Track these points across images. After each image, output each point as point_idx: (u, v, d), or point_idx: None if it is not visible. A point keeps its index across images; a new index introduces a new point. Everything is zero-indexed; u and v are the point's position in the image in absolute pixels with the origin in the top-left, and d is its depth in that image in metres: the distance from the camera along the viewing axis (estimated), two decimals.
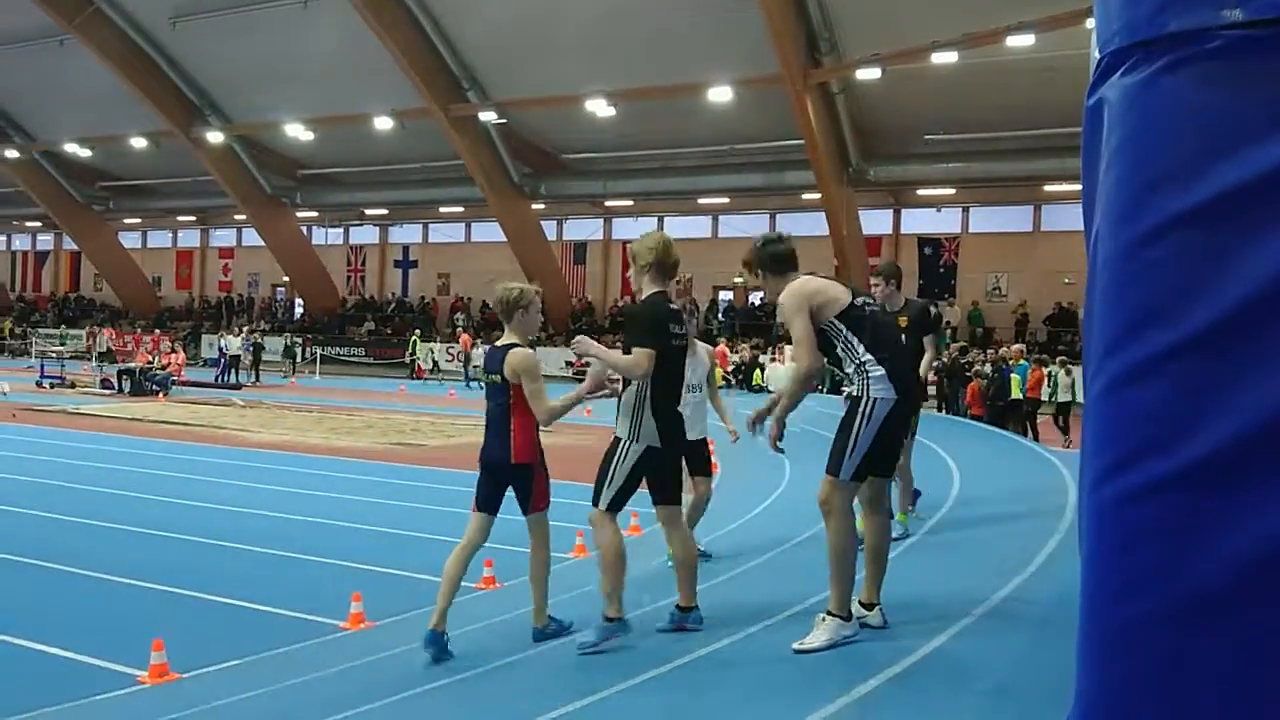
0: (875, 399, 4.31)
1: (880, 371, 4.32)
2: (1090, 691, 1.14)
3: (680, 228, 35.43)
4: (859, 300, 4.45)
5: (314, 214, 39.76)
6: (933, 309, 7.93)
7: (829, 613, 4.39)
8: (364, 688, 4.93)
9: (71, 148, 38.18)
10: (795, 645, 4.36)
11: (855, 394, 4.39)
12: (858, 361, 4.36)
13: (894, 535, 6.40)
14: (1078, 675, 1.17)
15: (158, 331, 37.91)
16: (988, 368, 18.91)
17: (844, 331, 4.37)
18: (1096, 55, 1.24)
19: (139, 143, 36.00)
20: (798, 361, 4.42)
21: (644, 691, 4.15)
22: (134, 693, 5.46)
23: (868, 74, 24.45)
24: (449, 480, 12.74)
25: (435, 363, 32.66)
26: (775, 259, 4.65)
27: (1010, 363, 18.19)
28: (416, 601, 7.18)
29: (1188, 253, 1.10)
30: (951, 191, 29.65)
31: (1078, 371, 25.30)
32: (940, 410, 20.80)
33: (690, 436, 6.12)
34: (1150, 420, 1.11)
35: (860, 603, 4.57)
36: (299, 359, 32.73)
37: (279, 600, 7.14)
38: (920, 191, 30.20)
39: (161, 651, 5.62)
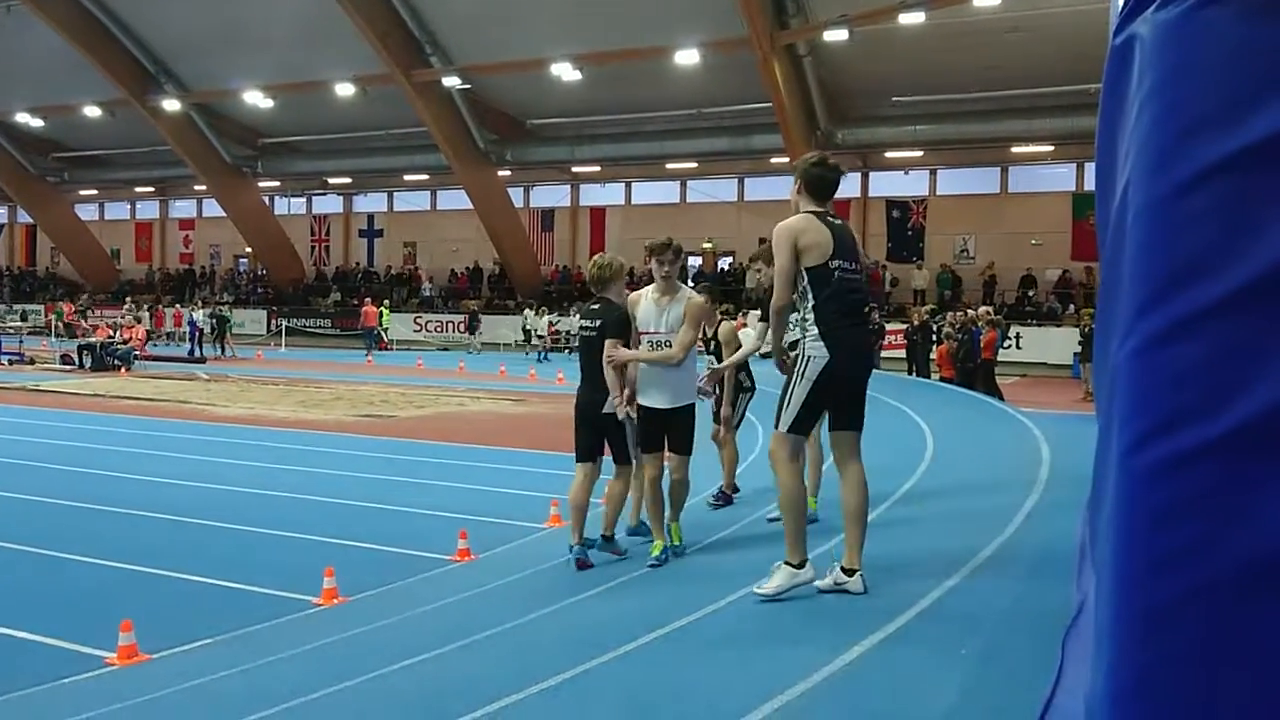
0: (810, 357, 4.49)
1: (816, 331, 4.48)
2: (1123, 670, 1.07)
3: (648, 193, 35.26)
4: (834, 263, 4.49)
5: (276, 183, 39.12)
6: None
7: (785, 561, 4.57)
8: (339, 665, 4.84)
9: (23, 118, 37.24)
10: (755, 589, 4.58)
11: (796, 351, 4.59)
12: (803, 317, 4.55)
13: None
14: (1106, 653, 1.10)
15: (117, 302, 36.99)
16: (950, 329, 19.02)
17: (805, 284, 4.52)
18: None
19: (93, 112, 35.17)
20: (775, 295, 4.59)
21: (628, 662, 4.10)
22: (102, 675, 5.36)
23: (835, 35, 24.27)
24: (420, 452, 12.63)
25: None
26: (816, 182, 4.64)
27: (979, 324, 18.31)
28: (390, 575, 7.11)
29: (1229, 203, 1.02)
30: (919, 154, 29.63)
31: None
32: (909, 373, 20.91)
33: (658, 404, 5.86)
34: (1188, 384, 1.03)
35: (842, 568, 4.59)
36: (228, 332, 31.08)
37: (250, 577, 7.02)
38: (888, 154, 30.15)
39: (130, 632, 5.52)
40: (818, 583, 4.62)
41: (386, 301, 33.90)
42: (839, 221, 4.61)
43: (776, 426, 4.60)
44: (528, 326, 30.35)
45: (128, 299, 35.04)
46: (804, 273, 4.48)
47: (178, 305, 35.15)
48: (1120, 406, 1.09)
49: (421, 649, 4.80)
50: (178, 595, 6.75)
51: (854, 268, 4.60)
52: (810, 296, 4.49)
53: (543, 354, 28.95)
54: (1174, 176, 1.06)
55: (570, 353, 27.73)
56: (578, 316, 6.37)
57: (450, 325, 33.95)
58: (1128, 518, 1.06)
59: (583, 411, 6.12)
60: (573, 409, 6.20)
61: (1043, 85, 24.71)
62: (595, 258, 6.26)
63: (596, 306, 6.11)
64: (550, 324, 30.10)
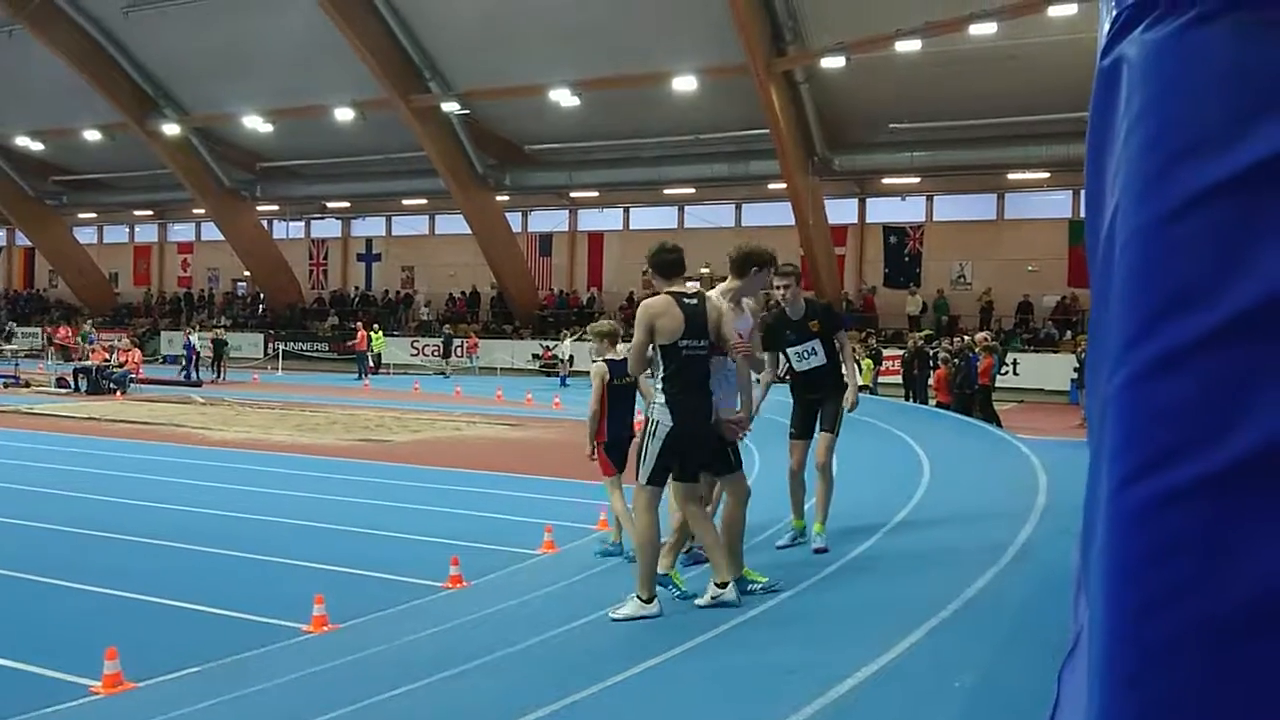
0: (657, 421, 5.23)
1: (662, 400, 5.21)
2: (1115, 713, 1.02)
3: (646, 218, 35.34)
4: (682, 342, 5.18)
5: (274, 207, 39.19)
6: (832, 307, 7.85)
7: (635, 594, 5.19)
8: (328, 693, 4.78)
9: (23, 141, 37.34)
10: (610, 611, 5.20)
11: (647, 414, 5.35)
12: (656, 386, 5.30)
13: (815, 547, 6.36)
14: (1099, 694, 1.05)
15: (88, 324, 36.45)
16: (945, 353, 19.01)
17: (659, 357, 5.26)
18: (1113, 11, 1.11)
19: (93, 136, 35.28)
20: (630, 365, 5.56)
21: (619, 691, 4.04)
22: (87, 704, 5.27)
23: (832, 62, 24.43)
24: (414, 477, 12.55)
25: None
26: (663, 266, 5.41)
27: (976, 350, 18.28)
28: (381, 602, 7.03)
29: (1223, 229, 0.98)
30: (916, 180, 29.72)
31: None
32: (906, 398, 20.88)
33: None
34: (1181, 417, 0.99)
35: (715, 584, 5.22)
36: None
37: (239, 603, 6.94)
38: (885, 180, 30.26)
39: (115, 660, 5.43)
40: (698, 600, 5.25)
41: (376, 325, 33.88)
42: (693, 302, 5.30)
43: (636, 479, 5.31)
44: (561, 354, 29.96)
45: (88, 323, 34.91)
46: (657, 348, 5.21)
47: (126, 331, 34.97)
48: (1110, 441, 1.05)
49: (411, 677, 4.75)
50: (165, 622, 6.67)
51: (700, 344, 5.24)
52: (660, 368, 5.23)
53: (564, 379, 28.79)
54: (1164, 202, 1.03)
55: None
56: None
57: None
58: (1119, 556, 1.02)
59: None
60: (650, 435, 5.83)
61: (1039, 113, 24.85)
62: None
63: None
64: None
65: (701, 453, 5.38)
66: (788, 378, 6.80)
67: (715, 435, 5.45)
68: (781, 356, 6.63)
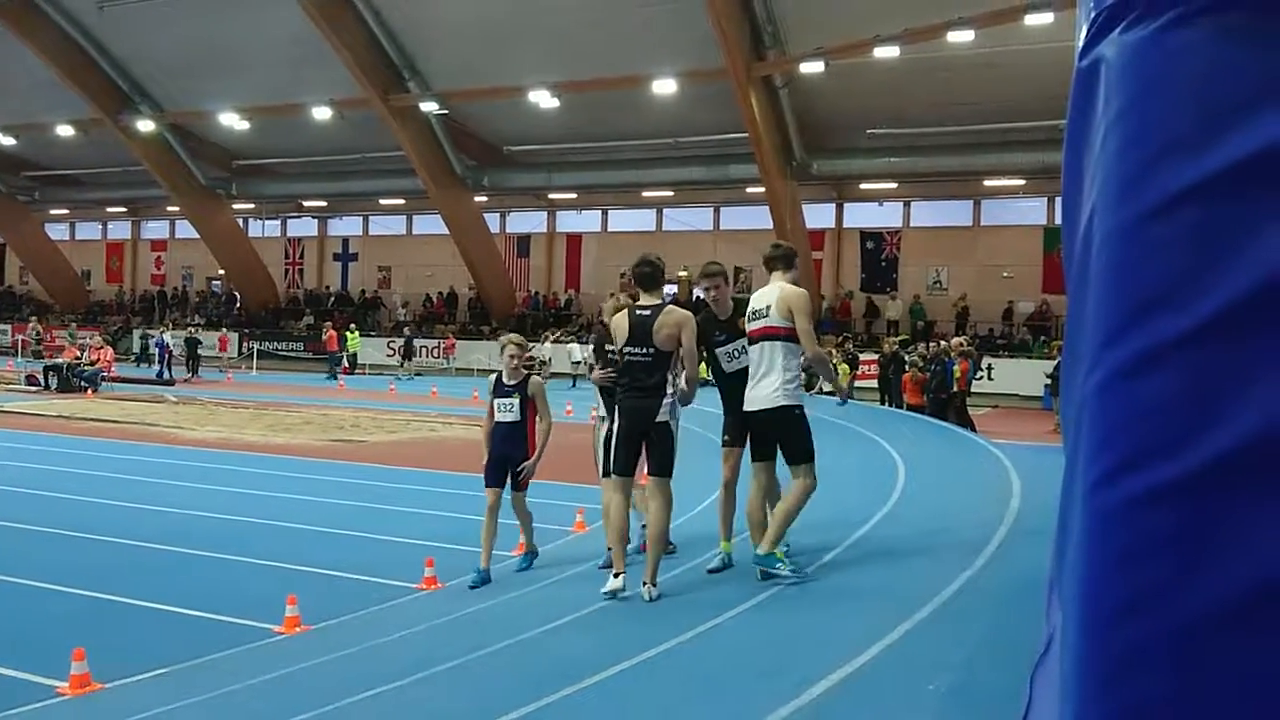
0: (602, 418, 6.03)
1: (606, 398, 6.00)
2: (1093, 718, 1.02)
3: (624, 221, 35.35)
4: (626, 349, 5.82)
5: (250, 206, 38.89)
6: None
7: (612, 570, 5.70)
8: (299, 695, 4.74)
9: None
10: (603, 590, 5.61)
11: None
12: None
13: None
14: (1072, 699, 1.05)
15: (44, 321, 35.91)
16: (916, 358, 19.11)
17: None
18: (1091, 12, 1.11)
19: (66, 131, 34.89)
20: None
21: (593, 694, 4.02)
22: (53, 705, 5.21)
23: (811, 68, 24.53)
24: (389, 477, 12.48)
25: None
26: (636, 277, 5.95)
27: (951, 355, 18.38)
28: (355, 603, 6.98)
29: (1200, 229, 0.99)
30: (893, 186, 29.91)
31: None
32: (881, 402, 20.98)
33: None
34: (1158, 417, 0.99)
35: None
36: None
37: (210, 604, 6.87)
38: (863, 186, 30.42)
39: (83, 661, 5.36)
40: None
41: (353, 325, 33.63)
42: (646, 314, 5.78)
43: (599, 474, 6.05)
44: (541, 356, 29.66)
45: (33, 320, 34.62)
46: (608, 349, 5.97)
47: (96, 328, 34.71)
48: (1086, 441, 1.05)
49: (383, 679, 4.70)
50: (134, 622, 6.59)
51: (643, 351, 5.77)
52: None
53: (574, 381, 28.45)
54: (1141, 202, 1.03)
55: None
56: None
57: (424, 350, 33.75)
58: (1093, 558, 1.02)
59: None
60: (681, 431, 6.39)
61: (1015, 120, 25.07)
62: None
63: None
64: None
65: (649, 445, 5.92)
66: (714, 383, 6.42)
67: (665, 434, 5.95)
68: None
